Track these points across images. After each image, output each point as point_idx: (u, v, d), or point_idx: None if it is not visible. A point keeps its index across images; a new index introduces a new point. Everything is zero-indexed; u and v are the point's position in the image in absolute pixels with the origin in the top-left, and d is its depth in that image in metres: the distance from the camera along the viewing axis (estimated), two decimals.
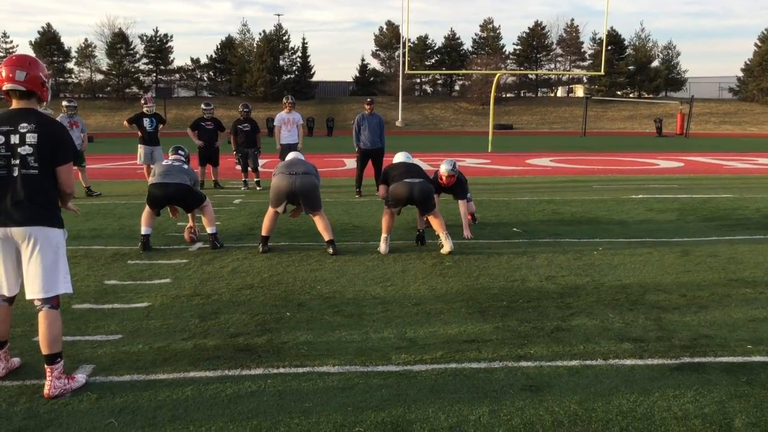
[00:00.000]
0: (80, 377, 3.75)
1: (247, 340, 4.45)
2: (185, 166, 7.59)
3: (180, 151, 7.97)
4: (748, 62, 61.36)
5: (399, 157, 7.92)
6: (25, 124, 3.59)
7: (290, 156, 7.68)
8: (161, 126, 12.76)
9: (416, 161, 8.11)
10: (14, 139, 3.57)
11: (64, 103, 12.08)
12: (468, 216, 8.32)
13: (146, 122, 12.52)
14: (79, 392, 3.63)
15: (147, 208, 7.35)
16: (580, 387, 3.71)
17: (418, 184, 7.23)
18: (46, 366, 3.63)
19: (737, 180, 15.04)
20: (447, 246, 7.08)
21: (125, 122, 13.16)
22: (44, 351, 3.64)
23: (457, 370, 3.97)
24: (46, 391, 3.58)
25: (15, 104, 3.69)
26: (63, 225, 3.76)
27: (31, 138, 3.57)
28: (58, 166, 3.66)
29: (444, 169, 8.07)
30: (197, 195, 7.45)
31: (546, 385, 3.73)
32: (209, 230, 7.42)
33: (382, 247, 7.19)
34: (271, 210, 7.25)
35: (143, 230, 7.29)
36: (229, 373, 3.91)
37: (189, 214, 7.73)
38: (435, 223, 7.29)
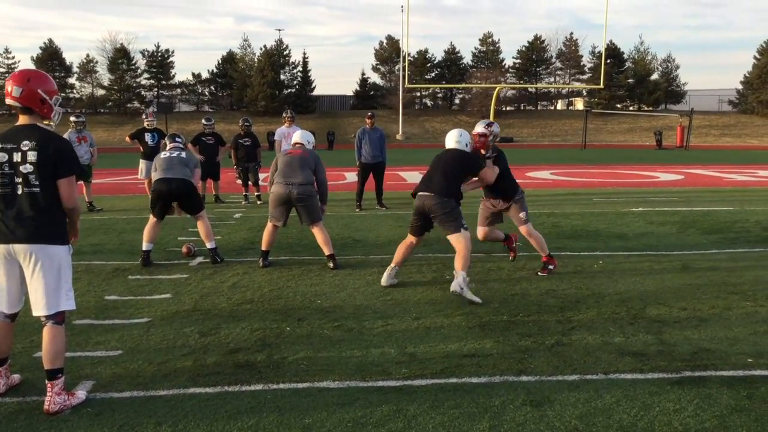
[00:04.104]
0: (80, 394, 3.75)
1: (247, 356, 4.44)
2: (183, 155, 7.62)
3: (177, 139, 8.06)
4: (747, 75, 61.49)
5: (447, 141, 6.59)
6: (26, 142, 3.60)
7: (287, 161, 7.25)
8: (162, 141, 12.80)
9: (461, 141, 6.48)
10: (17, 157, 3.59)
11: (72, 118, 12.17)
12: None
13: (148, 137, 12.58)
14: (78, 409, 3.63)
15: (150, 221, 7.36)
16: (580, 402, 3.71)
17: (429, 197, 6.12)
18: (46, 381, 3.63)
19: (737, 193, 15.05)
20: (454, 282, 5.81)
21: (127, 138, 13.22)
22: (46, 366, 3.64)
23: (458, 384, 3.96)
24: (45, 406, 3.58)
25: (19, 120, 3.72)
26: (67, 241, 3.76)
27: (32, 156, 3.59)
28: (59, 179, 3.66)
29: (477, 128, 6.82)
30: (198, 195, 7.56)
31: (546, 400, 3.73)
32: (208, 245, 7.42)
33: (384, 277, 6.39)
34: (270, 224, 7.26)
35: (144, 246, 7.29)
36: (228, 389, 3.90)
37: (198, 221, 7.54)
38: (458, 254, 5.92)
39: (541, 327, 5.06)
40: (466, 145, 6.46)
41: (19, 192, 3.60)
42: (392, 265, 6.43)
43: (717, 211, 11.45)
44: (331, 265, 7.09)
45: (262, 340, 4.78)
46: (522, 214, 6.91)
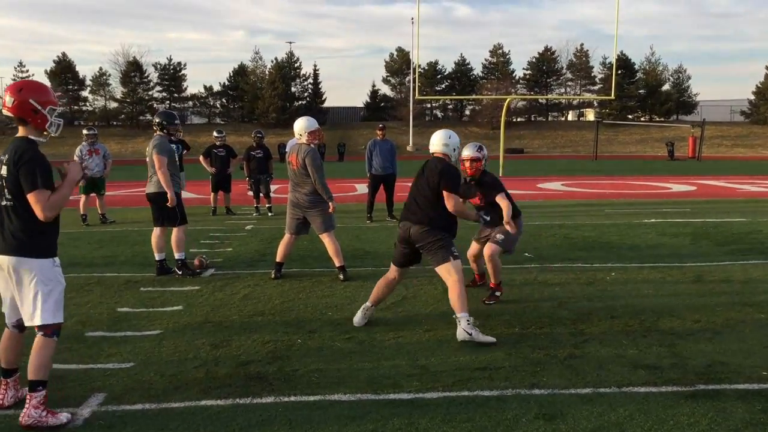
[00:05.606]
0: (62, 416, 3.60)
1: (258, 368, 4.44)
2: (149, 159, 7.63)
3: (169, 128, 7.99)
4: (759, 85, 61.21)
5: (431, 144, 5.51)
6: (7, 155, 3.59)
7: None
8: (185, 152, 12.86)
9: (450, 143, 5.43)
10: (3, 170, 3.58)
11: (84, 131, 12.27)
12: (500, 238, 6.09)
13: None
14: (90, 421, 3.62)
15: (154, 230, 7.48)
16: (593, 415, 3.67)
17: (413, 228, 5.22)
18: (27, 392, 3.58)
19: (750, 204, 14.94)
20: (459, 330, 5.01)
21: None
22: (28, 376, 3.58)
23: (470, 398, 3.94)
24: (20, 418, 3.53)
25: (18, 131, 3.70)
26: (51, 254, 3.64)
27: (3, 169, 3.58)
28: (26, 194, 3.53)
29: (466, 152, 5.97)
30: (165, 207, 7.53)
31: (559, 414, 3.70)
32: (176, 256, 7.40)
33: (357, 316, 5.48)
34: (287, 235, 7.28)
35: (156, 256, 7.38)
36: (240, 401, 3.90)
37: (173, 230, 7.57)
38: (450, 291, 5.13)
39: (553, 339, 5.03)
40: (454, 150, 5.44)
41: (3, 203, 3.60)
42: (368, 303, 5.52)
43: (730, 223, 11.37)
44: (341, 276, 7.09)
45: (274, 352, 4.78)
46: (499, 236, 6.02)
